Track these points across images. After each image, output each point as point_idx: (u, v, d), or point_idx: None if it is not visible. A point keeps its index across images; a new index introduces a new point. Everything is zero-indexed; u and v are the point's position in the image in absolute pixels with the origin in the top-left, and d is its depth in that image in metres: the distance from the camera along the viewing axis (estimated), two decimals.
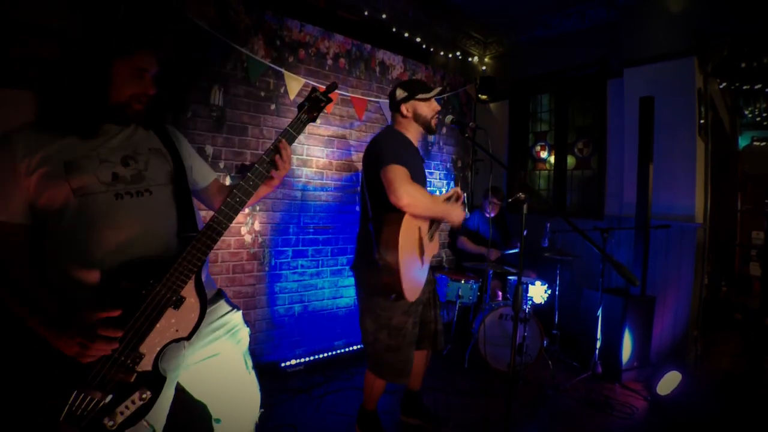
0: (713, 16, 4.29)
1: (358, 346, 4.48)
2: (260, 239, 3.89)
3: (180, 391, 1.63)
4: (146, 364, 1.35)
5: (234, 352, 1.69)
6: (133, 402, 1.31)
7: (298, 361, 4.03)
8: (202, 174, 1.79)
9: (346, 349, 4.42)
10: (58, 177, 1.32)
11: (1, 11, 2.74)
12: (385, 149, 2.42)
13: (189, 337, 1.42)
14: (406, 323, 2.54)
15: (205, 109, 3.54)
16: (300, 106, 1.63)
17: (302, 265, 4.20)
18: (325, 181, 4.32)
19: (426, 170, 2.87)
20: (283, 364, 3.94)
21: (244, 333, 1.76)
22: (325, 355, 4.23)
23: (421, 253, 2.49)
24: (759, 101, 6.81)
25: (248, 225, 3.81)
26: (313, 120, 1.67)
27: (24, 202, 1.34)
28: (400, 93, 2.63)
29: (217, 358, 1.63)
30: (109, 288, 1.32)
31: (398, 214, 2.28)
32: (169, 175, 1.56)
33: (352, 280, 4.44)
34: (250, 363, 1.75)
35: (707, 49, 4.41)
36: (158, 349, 1.37)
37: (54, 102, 1.41)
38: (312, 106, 1.63)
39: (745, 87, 5.80)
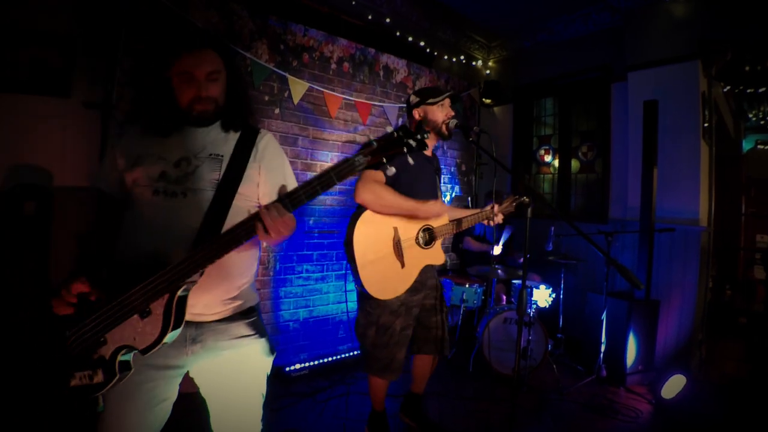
0: (717, 20, 4.29)
1: None
2: (264, 243, 3.88)
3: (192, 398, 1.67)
4: (105, 352, 1.35)
5: (237, 379, 1.62)
6: (88, 376, 1.34)
7: (302, 365, 4.03)
8: (264, 193, 1.67)
9: (351, 354, 4.41)
10: (127, 167, 1.55)
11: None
12: None
13: (143, 353, 1.35)
14: (393, 323, 2.61)
15: None
16: (366, 144, 1.35)
17: (307, 270, 4.20)
18: None
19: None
20: (287, 369, 3.94)
21: (259, 363, 1.67)
22: (330, 359, 4.22)
23: (398, 254, 2.55)
24: (763, 104, 6.80)
25: None
26: (377, 166, 1.39)
27: (115, 180, 1.60)
28: (413, 99, 2.78)
29: (220, 377, 1.59)
30: (112, 272, 1.42)
31: (359, 211, 2.49)
32: (214, 182, 1.54)
33: None
34: (257, 394, 1.67)
35: (711, 53, 4.41)
36: (117, 345, 1.35)
37: (138, 109, 1.68)
38: (387, 146, 1.33)
39: (749, 90, 5.79)
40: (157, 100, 1.56)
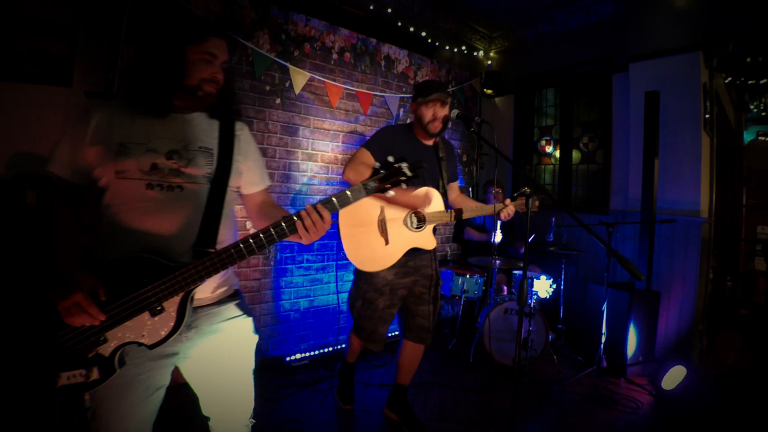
0: (719, 11, 4.27)
1: None
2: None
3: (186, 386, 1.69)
4: (105, 350, 1.39)
5: (230, 357, 1.67)
6: (81, 375, 1.38)
7: (303, 355, 4.05)
8: (250, 180, 1.77)
9: None
10: (109, 157, 1.46)
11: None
12: (372, 136, 2.84)
13: (151, 347, 1.42)
14: (376, 300, 2.79)
15: None
16: (374, 171, 1.50)
17: (308, 260, 4.20)
18: (330, 176, 4.31)
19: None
20: (288, 359, 3.96)
21: (248, 340, 1.73)
22: (331, 349, 4.23)
23: (382, 231, 2.70)
24: (764, 96, 6.78)
25: None
26: (383, 191, 1.48)
27: (82, 166, 1.50)
28: (413, 93, 2.88)
29: (212, 358, 1.63)
30: (113, 269, 1.40)
31: None
32: (208, 176, 1.58)
33: None
34: (248, 370, 1.73)
35: (713, 44, 4.39)
36: (120, 342, 1.40)
37: (134, 85, 1.55)
38: (389, 176, 1.47)
39: (750, 82, 5.78)
40: (166, 72, 1.52)
